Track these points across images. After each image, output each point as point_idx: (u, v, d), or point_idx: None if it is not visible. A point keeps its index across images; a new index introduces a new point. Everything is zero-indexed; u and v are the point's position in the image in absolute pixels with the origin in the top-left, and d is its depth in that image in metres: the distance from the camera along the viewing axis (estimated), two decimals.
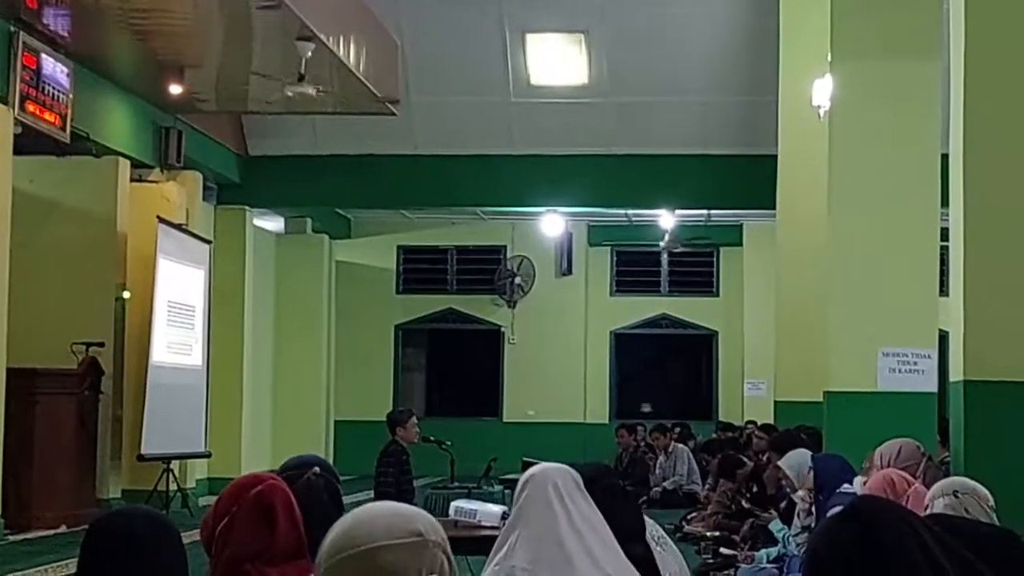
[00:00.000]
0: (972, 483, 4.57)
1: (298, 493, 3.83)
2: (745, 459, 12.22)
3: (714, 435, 15.22)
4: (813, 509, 7.07)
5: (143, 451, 14.07)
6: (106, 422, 13.86)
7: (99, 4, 11.54)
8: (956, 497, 4.37)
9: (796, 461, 8.25)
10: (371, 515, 2.29)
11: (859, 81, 9.21)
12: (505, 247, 22.89)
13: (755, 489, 10.75)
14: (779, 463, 8.64)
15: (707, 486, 13.59)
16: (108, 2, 11.53)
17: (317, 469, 4.41)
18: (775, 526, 8.82)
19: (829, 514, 5.91)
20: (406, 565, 2.22)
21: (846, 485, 6.64)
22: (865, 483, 5.55)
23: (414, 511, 2.32)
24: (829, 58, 9.56)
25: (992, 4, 7.43)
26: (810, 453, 8.24)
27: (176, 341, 15.06)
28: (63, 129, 12.29)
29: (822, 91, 12.04)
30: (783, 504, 9.18)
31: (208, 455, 16.00)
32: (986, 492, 4.47)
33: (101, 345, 13.44)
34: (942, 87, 8.56)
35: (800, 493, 8.02)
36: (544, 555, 3.66)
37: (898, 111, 9.08)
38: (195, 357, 15.65)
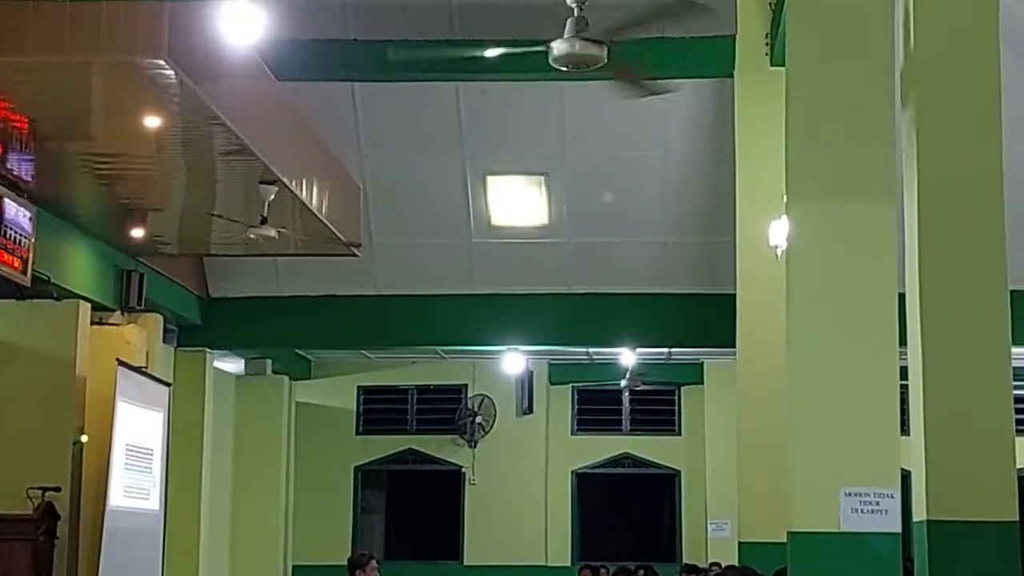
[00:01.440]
0: None
1: None
2: None
3: None
4: None
5: None
6: (61, 568, 13.63)
7: (63, 149, 11.62)
8: None
9: None
10: None
11: (815, 222, 9.30)
12: (466, 386, 22.84)
13: None
14: None
15: None
16: (72, 147, 11.61)
17: None
18: None
19: None
20: None
21: None
22: None
23: None
24: (785, 199, 9.69)
25: (943, 146, 7.59)
26: None
27: (134, 485, 14.88)
28: (24, 273, 12.26)
29: (778, 231, 12.18)
30: None
31: None
32: None
33: (58, 490, 13.28)
34: (897, 227, 8.69)
35: None
36: None
37: (854, 251, 9.17)
38: (152, 501, 15.46)
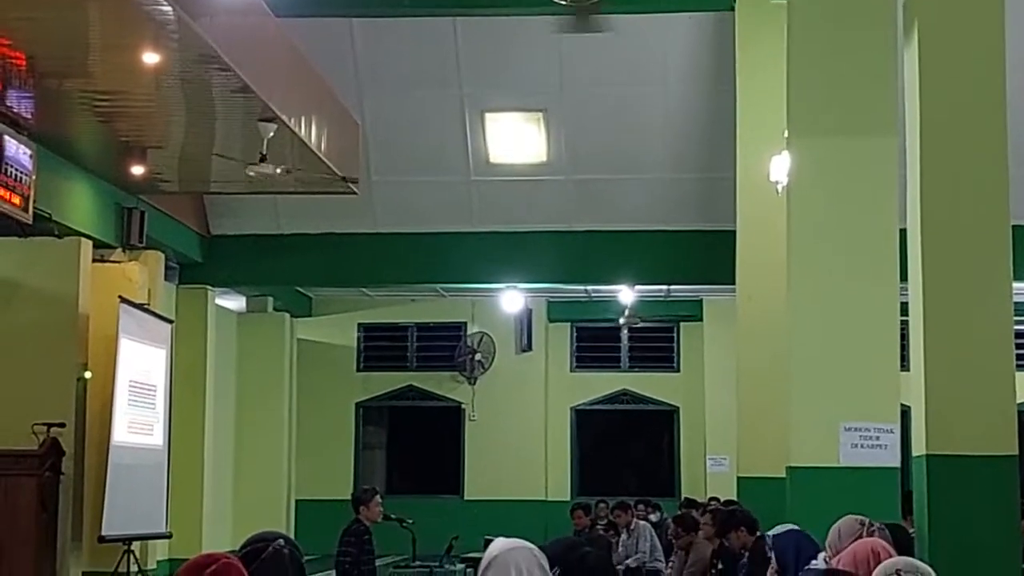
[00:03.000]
0: (915, 561, 4.59)
1: (264, 565, 3.84)
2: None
3: (680, 511, 15.16)
4: None
5: (104, 532, 13.95)
6: (67, 503, 13.73)
7: (62, 86, 11.58)
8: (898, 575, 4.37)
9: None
10: None
11: (816, 157, 9.31)
12: (465, 324, 22.91)
13: (720, 567, 10.72)
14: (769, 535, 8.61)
15: (670, 564, 13.52)
16: (71, 84, 11.57)
17: (281, 541, 4.43)
18: None
19: None
20: None
21: (813, 561, 6.63)
22: (837, 558, 5.52)
23: None
24: (786, 134, 9.68)
25: (946, 81, 7.58)
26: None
27: (137, 421, 14.97)
28: (26, 210, 12.28)
29: (780, 167, 12.17)
30: None
31: (169, 536, 15.87)
32: (929, 569, 4.48)
33: (62, 426, 13.34)
34: (899, 162, 8.69)
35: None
36: None
37: (855, 187, 9.18)
38: (156, 437, 15.55)
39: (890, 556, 5.12)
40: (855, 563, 5.08)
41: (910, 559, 4.69)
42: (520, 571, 3.76)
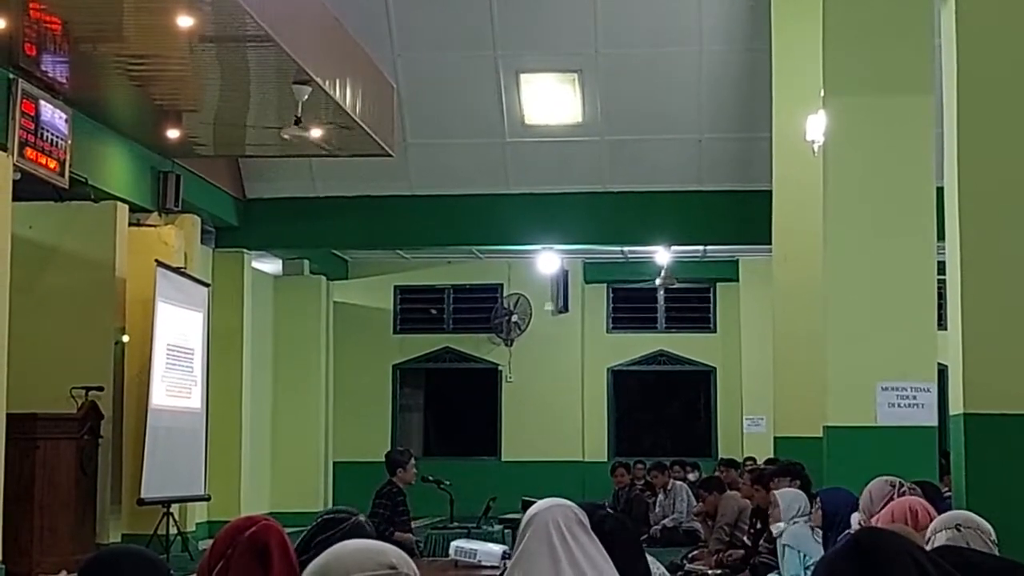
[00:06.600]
0: (975, 517, 4.57)
1: (345, 535, 3.89)
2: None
3: (716, 472, 15.18)
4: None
5: (143, 495, 14.05)
6: (106, 466, 13.85)
7: (97, 51, 11.61)
8: (958, 531, 4.37)
9: (791, 498, 8.30)
10: (343, 551, 2.32)
11: (852, 116, 9.26)
12: (501, 285, 22.91)
13: (759, 525, 10.73)
14: (776, 492, 8.65)
15: (709, 523, 13.54)
16: (106, 49, 11.60)
17: (362, 516, 4.49)
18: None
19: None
20: None
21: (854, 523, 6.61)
22: (876, 517, 5.52)
23: (384, 546, 2.34)
24: (822, 93, 9.63)
25: (983, 39, 7.50)
26: (803, 495, 8.29)
27: (175, 384, 15.06)
28: (62, 175, 12.35)
29: (816, 126, 12.11)
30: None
31: (208, 498, 15.98)
32: (988, 526, 4.47)
33: (101, 389, 13.44)
34: (935, 121, 8.63)
35: (780, 525, 8.09)
36: None
37: (892, 145, 9.14)
38: (194, 400, 15.64)
39: (928, 514, 5.12)
40: (892, 522, 5.07)
41: (969, 514, 4.67)
42: (559, 528, 3.77)
